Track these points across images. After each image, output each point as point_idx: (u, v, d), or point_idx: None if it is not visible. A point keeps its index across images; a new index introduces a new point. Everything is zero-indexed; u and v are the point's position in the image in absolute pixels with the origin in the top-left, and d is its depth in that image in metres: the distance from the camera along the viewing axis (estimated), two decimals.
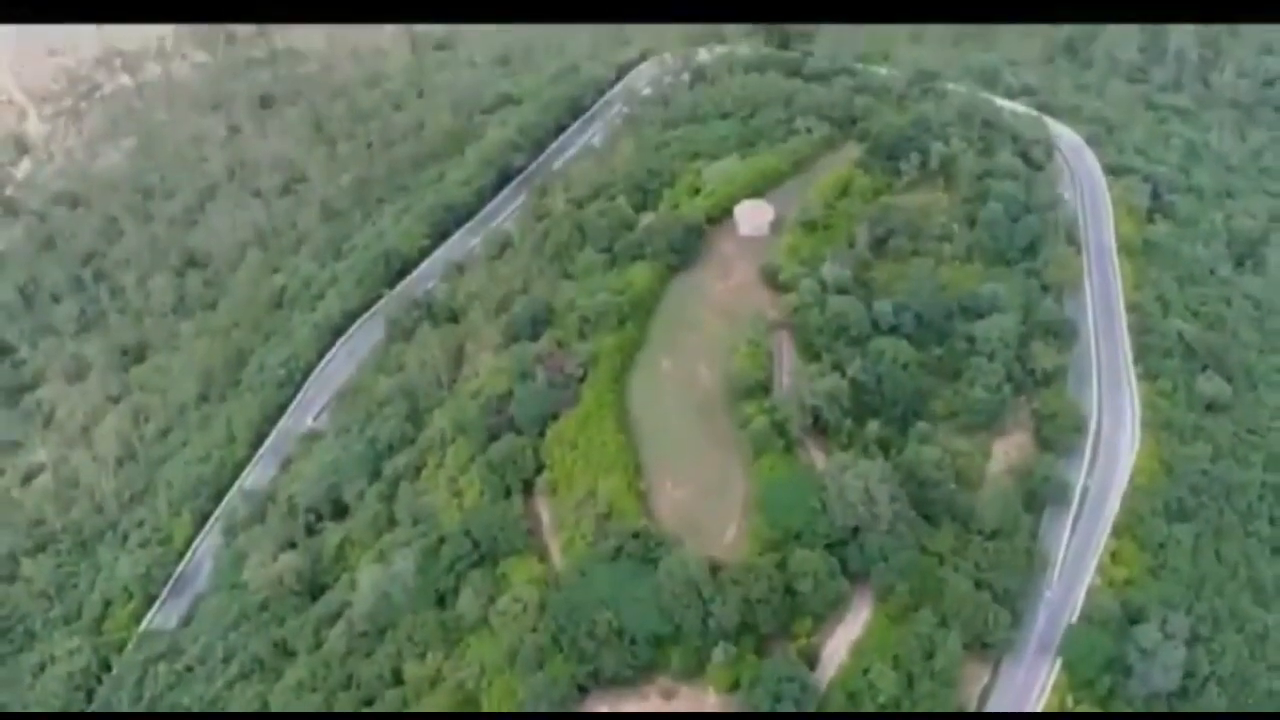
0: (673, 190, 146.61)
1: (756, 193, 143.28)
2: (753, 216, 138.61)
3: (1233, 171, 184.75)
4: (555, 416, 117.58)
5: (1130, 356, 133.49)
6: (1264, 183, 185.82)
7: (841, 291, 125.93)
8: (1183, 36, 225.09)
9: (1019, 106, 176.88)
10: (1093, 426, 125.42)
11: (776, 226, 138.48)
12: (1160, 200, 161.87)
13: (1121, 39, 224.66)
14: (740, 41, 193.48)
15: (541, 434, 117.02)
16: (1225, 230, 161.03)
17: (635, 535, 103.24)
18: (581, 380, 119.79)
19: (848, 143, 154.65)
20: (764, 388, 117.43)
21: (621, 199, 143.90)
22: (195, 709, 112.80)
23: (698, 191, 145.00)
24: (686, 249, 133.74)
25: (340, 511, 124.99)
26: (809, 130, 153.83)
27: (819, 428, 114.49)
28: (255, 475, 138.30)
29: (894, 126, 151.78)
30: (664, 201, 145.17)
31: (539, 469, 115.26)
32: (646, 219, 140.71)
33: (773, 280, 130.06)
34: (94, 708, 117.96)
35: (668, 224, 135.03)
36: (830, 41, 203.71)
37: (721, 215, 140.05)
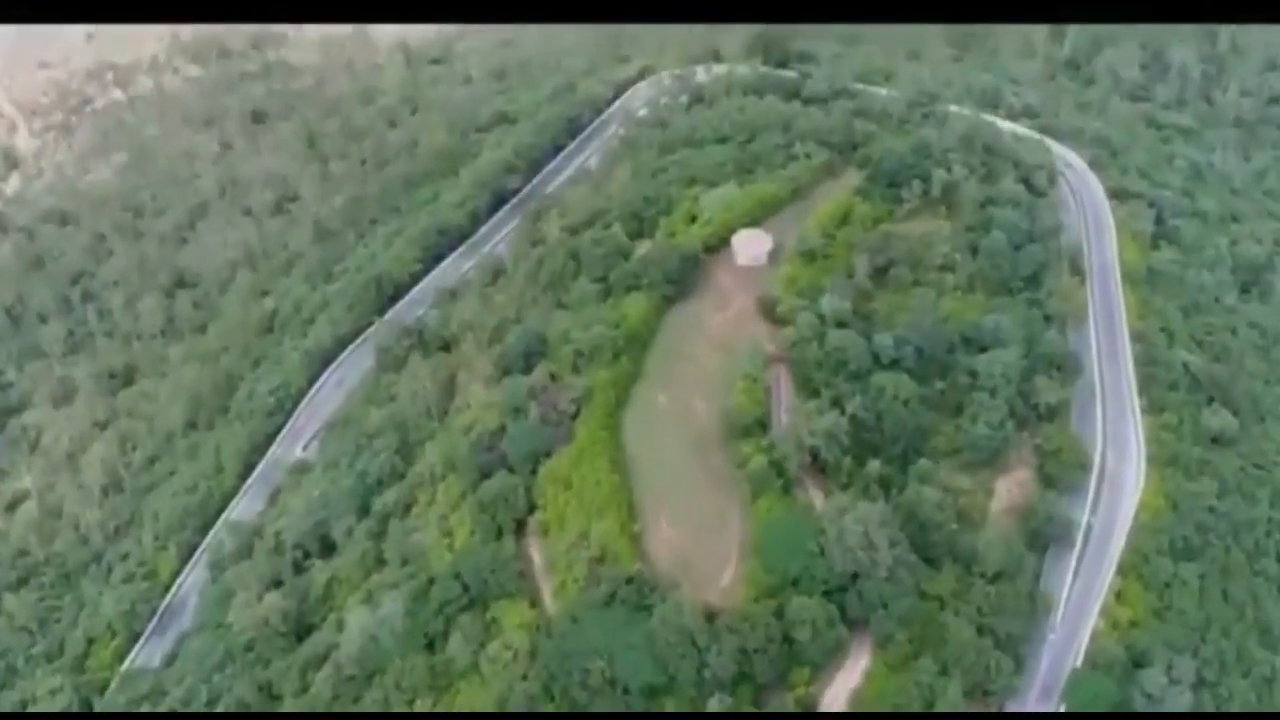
0: (669, 218, 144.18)
1: (754, 221, 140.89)
2: (750, 246, 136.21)
3: (1237, 194, 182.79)
4: (548, 454, 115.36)
5: (1135, 389, 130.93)
6: (1268, 204, 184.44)
7: (841, 325, 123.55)
8: (1185, 53, 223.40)
9: (1021, 129, 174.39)
10: (1097, 462, 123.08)
11: (775, 256, 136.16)
12: (1164, 225, 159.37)
13: (1123, 56, 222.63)
14: (738, 60, 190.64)
15: (534, 472, 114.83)
16: (1230, 256, 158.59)
17: (629, 580, 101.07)
18: (575, 416, 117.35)
19: (848, 169, 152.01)
20: (762, 425, 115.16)
21: (617, 226, 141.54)
22: None
23: (695, 219, 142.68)
24: (683, 280, 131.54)
25: (328, 549, 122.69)
26: (808, 156, 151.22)
27: (818, 466, 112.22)
28: (243, 507, 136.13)
29: (895, 152, 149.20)
30: (660, 229, 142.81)
31: (531, 509, 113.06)
32: (643, 248, 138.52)
33: (771, 312, 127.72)
34: None
35: (664, 253, 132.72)
36: (829, 60, 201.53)
37: (719, 244, 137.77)
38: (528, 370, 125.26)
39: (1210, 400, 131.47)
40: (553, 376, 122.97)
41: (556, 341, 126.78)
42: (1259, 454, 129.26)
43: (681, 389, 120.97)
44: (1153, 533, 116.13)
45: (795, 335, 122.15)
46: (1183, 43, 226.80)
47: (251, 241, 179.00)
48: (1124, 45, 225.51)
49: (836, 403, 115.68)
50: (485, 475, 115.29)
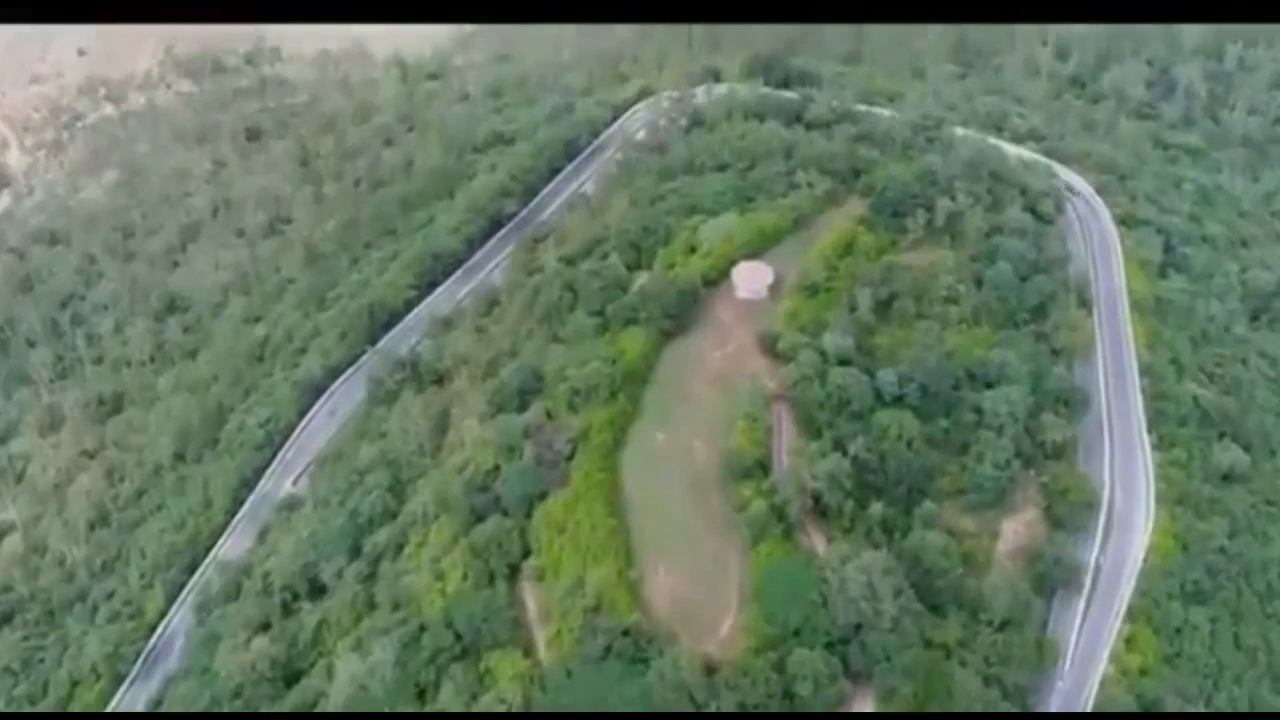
0: (667, 249, 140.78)
1: (755, 252, 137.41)
2: (751, 278, 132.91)
3: (1245, 217, 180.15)
4: (543, 496, 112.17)
5: (1144, 424, 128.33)
6: (1277, 227, 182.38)
7: (843, 362, 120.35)
8: (1191, 70, 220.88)
9: (1026, 152, 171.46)
10: (1105, 501, 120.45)
11: (776, 289, 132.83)
12: (1173, 253, 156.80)
13: (1129, 74, 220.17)
14: (738, 80, 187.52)
15: (529, 515, 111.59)
16: (1239, 284, 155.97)
17: (625, 633, 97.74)
18: (571, 457, 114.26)
19: (851, 197, 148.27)
20: (762, 467, 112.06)
21: (614, 257, 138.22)
22: None
23: (694, 250, 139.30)
24: (681, 313, 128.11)
25: (318, 590, 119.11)
26: (810, 185, 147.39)
27: (820, 510, 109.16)
28: (231, 543, 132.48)
29: (899, 180, 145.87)
30: (658, 260, 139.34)
31: (526, 553, 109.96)
32: (640, 279, 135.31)
33: (771, 348, 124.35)
34: None
35: (662, 286, 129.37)
36: (831, 80, 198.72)
37: (718, 276, 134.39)
38: (523, 407, 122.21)
39: (1221, 435, 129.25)
40: (548, 414, 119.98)
41: (552, 378, 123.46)
42: (1271, 490, 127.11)
43: (680, 428, 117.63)
44: (1163, 575, 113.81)
45: (796, 373, 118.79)
46: (1188, 60, 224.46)
47: (244, 264, 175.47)
48: (1129, 63, 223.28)
49: (839, 444, 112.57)
50: (479, 517, 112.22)
